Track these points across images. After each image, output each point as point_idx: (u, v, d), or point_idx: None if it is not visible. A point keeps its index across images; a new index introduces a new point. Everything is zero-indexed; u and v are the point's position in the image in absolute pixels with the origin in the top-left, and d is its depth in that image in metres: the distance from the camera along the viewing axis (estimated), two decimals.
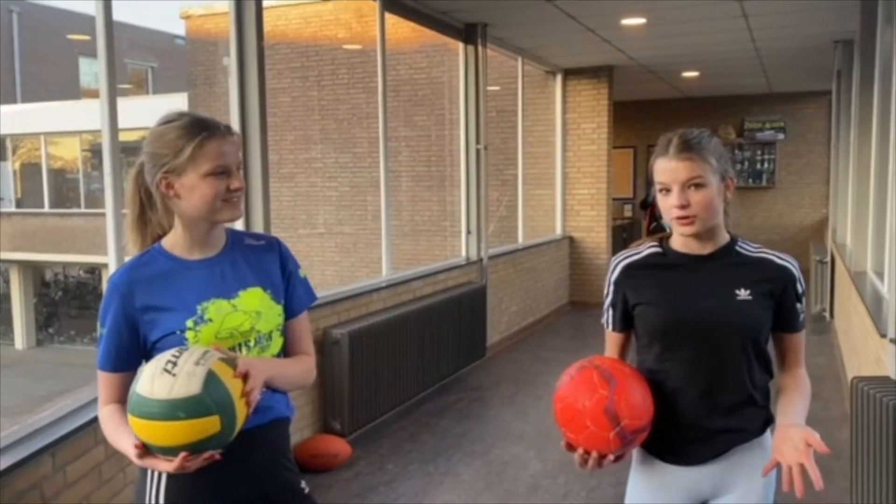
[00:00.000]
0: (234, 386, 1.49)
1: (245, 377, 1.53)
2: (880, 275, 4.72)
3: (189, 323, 1.63)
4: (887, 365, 3.27)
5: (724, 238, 1.77)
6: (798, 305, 1.77)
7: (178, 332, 1.62)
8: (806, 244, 11.21)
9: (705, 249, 1.75)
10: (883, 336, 3.40)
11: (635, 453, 1.88)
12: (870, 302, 4.23)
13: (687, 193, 1.67)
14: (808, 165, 11.84)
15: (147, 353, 1.66)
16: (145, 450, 1.49)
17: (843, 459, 4.15)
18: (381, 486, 3.95)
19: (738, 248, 1.77)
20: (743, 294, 1.70)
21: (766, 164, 12.04)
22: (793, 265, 1.76)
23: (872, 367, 3.84)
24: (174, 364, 1.47)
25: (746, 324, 1.71)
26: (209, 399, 1.45)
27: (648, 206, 9.50)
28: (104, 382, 1.68)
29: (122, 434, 1.60)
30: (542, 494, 3.85)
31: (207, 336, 1.62)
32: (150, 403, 1.45)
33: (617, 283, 1.83)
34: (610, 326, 1.90)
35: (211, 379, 1.46)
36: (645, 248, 1.83)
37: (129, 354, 1.66)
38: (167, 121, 1.66)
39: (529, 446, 4.53)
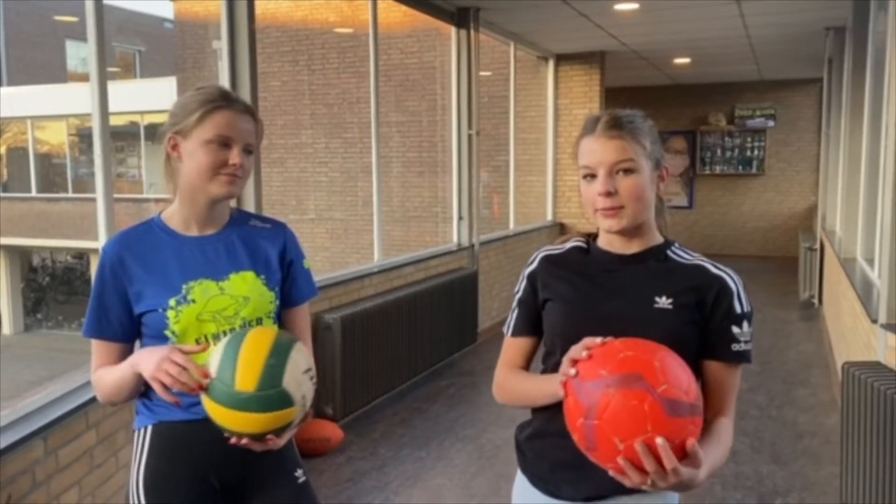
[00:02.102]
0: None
1: None
2: (870, 261, 4.75)
3: (171, 302, 1.59)
4: (878, 350, 3.29)
5: (656, 239, 1.52)
6: (734, 329, 1.44)
7: (159, 311, 1.59)
8: (795, 231, 11.28)
9: (630, 248, 1.50)
10: (874, 321, 3.42)
11: (517, 483, 1.63)
12: (860, 288, 4.26)
13: (615, 179, 1.42)
14: (797, 153, 11.88)
15: (136, 326, 1.64)
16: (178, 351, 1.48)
17: (832, 444, 4.19)
18: (374, 471, 3.96)
19: (670, 251, 1.51)
20: (662, 302, 1.43)
21: (755, 152, 12.07)
22: (731, 277, 1.46)
23: (862, 353, 3.87)
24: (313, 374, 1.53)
25: (660, 337, 1.34)
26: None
27: None
28: (95, 351, 1.65)
29: (116, 368, 1.60)
30: None
31: (188, 318, 1.59)
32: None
33: (531, 275, 1.57)
34: (510, 330, 1.59)
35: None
36: (569, 243, 1.59)
37: (115, 324, 1.63)
38: (196, 88, 1.65)
39: None
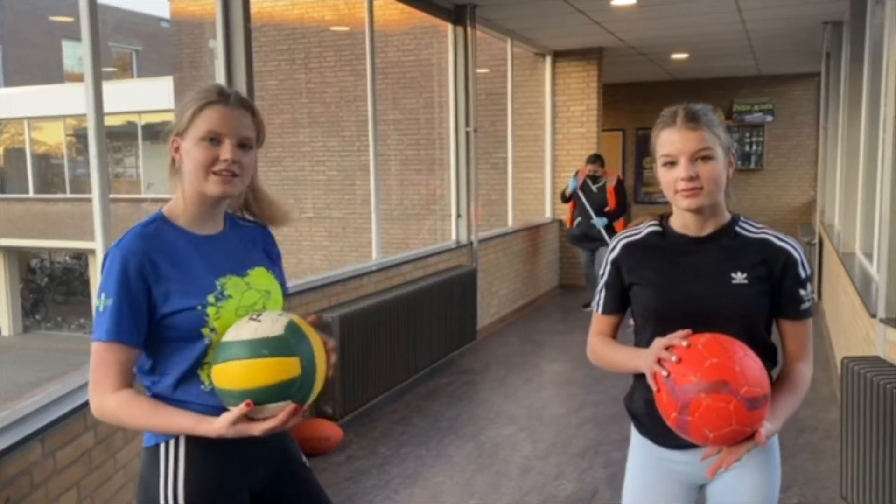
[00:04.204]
0: (315, 340, 1.53)
1: (326, 342, 1.58)
2: (869, 255, 4.74)
3: (211, 299, 1.55)
4: (877, 344, 3.29)
5: (725, 217, 1.72)
6: (801, 291, 1.69)
7: (198, 308, 1.53)
8: (794, 226, 11.27)
9: (705, 230, 1.70)
10: (872, 316, 3.42)
11: (633, 437, 1.87)
12: (859, 282, 4.26)
13: (695, 166, 1.62)
14: (796, 147, 11.88)
15: (153, 328, 1.54)
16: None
17: (832, 439, 4.20)
18: (374, 469, 3.95)
19: (738, 228, 1.71)
20: (739, 278, 1.65)
21: (754, 147, 12.07)
22: (794, 247, 1.69)
23: (861, 347, 3.87)
24: (259, 314, 1.52)
25: (741, 309, 1.65)
26: (292, 340, 1.47)
27: (569, 200, 7.76)
28: (113, 359, 1.50)
29: (173, 414, 1.51)
30: (533, 475, 3.87)
31: (229, 313, 1.56)
32: (235, 345, 1.46)
33: (615, 261, 1.79)
34: (600, 308, 1.84)
35: (293, 326, 1.49)
36: (645, 228, 1.78)
37: (137, 327, 1.51)
38: (197, 87, 1.63)
39: (521, 428, 4.55)
